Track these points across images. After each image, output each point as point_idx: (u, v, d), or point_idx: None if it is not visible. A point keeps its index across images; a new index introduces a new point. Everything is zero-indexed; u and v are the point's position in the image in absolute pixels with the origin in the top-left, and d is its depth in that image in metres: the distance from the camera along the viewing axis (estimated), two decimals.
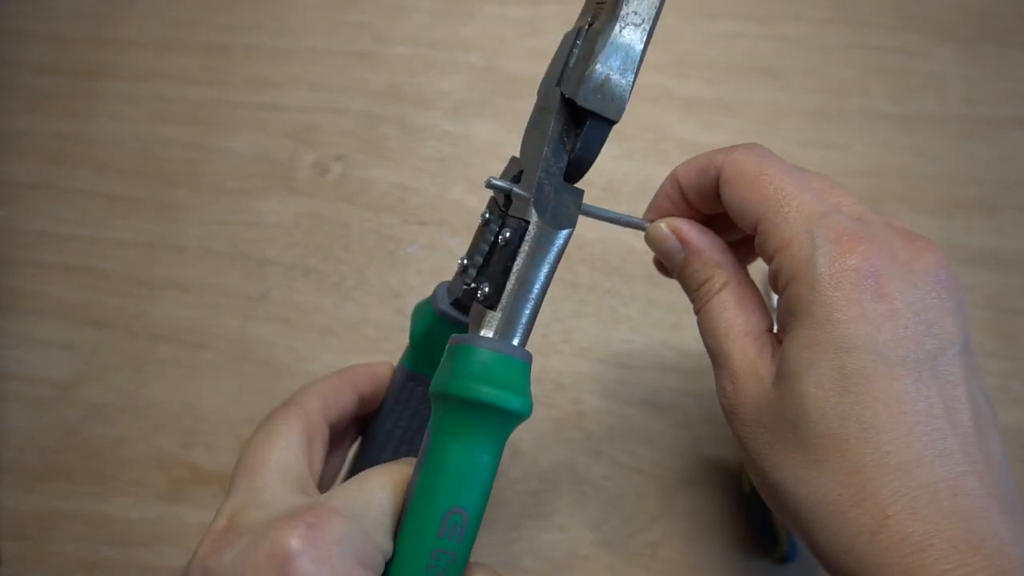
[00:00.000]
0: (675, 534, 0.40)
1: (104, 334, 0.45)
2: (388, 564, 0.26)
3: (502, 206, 0.28)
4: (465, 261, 0.29)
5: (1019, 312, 0.45)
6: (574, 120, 0.27)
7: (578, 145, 0.27)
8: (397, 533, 0.26)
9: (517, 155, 0.30)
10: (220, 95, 0.51)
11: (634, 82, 0.26)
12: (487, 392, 0.24)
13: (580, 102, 0.26)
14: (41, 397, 0.44)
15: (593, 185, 0.47)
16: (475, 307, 0.27)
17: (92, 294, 0.46)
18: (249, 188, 0.49)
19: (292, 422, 0.29)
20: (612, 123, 0.27)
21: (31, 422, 0.43)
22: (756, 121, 0.50)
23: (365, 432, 0.35)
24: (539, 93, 0.29)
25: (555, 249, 0.26)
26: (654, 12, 0.26)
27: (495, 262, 0.27)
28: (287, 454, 0.28)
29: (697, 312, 0.30)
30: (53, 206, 0.49)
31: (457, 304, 0.31)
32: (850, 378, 0.24)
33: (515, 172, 0.29)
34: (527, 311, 0.26)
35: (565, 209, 0.27)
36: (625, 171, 0.48)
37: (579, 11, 0.30)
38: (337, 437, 0.35)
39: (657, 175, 0.48)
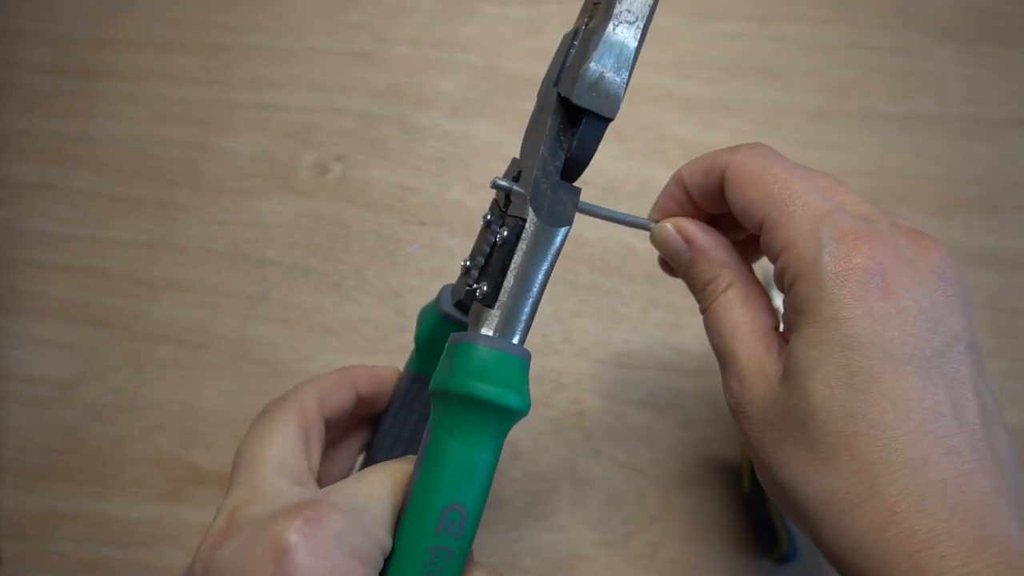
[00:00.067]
0: (675, 534, 0.40)
1: (104, 334, 0.45)
2: (387, 560, 0.26)
3: (503, 206, 0.28)
4: (468, 263, 0.29)
5: (1019, 312, 0.45)
6: (570, 119, 0.28)
7: (575, 143, 0.27)
8: (397, 530, 0.26)
9: (517, 156, 0.30)
10: (220, 95, 0.51)
11: (629, 80, 0.27)
12: (485, 389, 0.25)
13: (575, 100, 0.26)
14: (41, 397, 0.44)
15: (593, 185, 0.47)
16: (474, 306, 0.27)
17: (92, 294, 0.46)
18: (249, 188, 0.49)
19: (288, 417, 0.29)
20: (608, 121, 0.27)
21: (31, 422, 0.43)
22: (756, 121, 0.50)
23: (372, 435, 0.35)
24: (539, 94, 0.30)
25: (552, 247, 0.26)
26: (647, 10, 0.26)
27: (493, 261, 0.27)
28: (285, 449, 0.28)
29: (703, 311, 0.30)
30: (53, 206, 0.49)
31: (461, 306, 0.31)
32: (857, 376, 0.24)
33: (515, 173, 0.29)
34: (525, 309, 0.26)
35: (562, 207, 0.27)
36: (625, 171, 0.48)
37: (578, 11, 0.30)
38: (342, 437, 0.35)
39: (657, 175, 0.49)
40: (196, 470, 0.42)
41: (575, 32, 0.28)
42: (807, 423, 0.24)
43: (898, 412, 0.23)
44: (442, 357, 0.27)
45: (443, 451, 0.25)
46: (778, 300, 0.29)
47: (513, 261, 0.26)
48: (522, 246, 0.26)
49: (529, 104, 0.30)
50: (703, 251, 0.29)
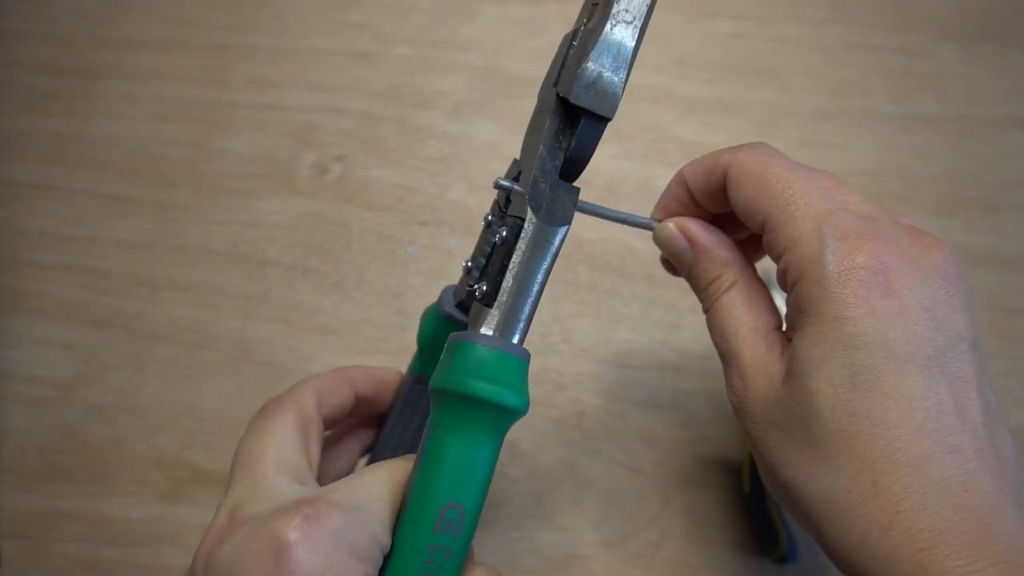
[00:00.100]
0: (675, 534, 0.40)
1: (104, 334, 0.45)
2: (386, 558, 0.26)
3: (503, 207, 0.28)
4: (469, 263, 0.29)
5: (1019, 312, 0.45)
6: (569, 119, 0.28)
7: (573, 143, 0.27)
8: (396, 528, 0.26)
9: (518, 157, 0.30)
10: (220, 95, 0.51)
11: (627, 79, 0.27)
12: (484, 388, 0.25)
13: (573, 100, 0.26)
14: (41, 397, 0.44)
15: (593, 185, 0.47)
16: (474, 305, 0.27)
17: (92, 294, 0.46)
18: (249, 188, 0.49)
19: (286, 416, 0.29)
20: (606, 120, 0.27)
21: (31, 422, 0.43)
22: (756, 121, 0.50)
23: (376, 437, 0.35)
24: (539, 95, 0.30)
25: (551, 247, 0.27)
26: (645, 9, 0.27)
27: (493, 261, 0.27)
28: (284, 447, 0.28)
29: (706, 311, 0.30)
30: (53, 206, 0.49)
31: (462, 306, 0.31)
32: (860, 375, 0.24)
33: (516, 173, 0.29)
34: (524, 308, 0.26)
35: (561, 206, 0.27)
36: (625, 171, 0.48)
37: (578, 12, 0.30)
38: (342, 437, 0.35)
39: (657, 175, 0.49)
40: (196, 470, 0.42)
41: (574, 33, 0.28)
42: (810, 422, 0.24)
43: (901, 411, 0.23)
44: (442, 356, 0.27)
45: (442, 450, 0.25)
46: (779, 299, 0.29)
47: (512, 261, 0.26)
48: (521, 246, 0.26)
49: (529, 104, 0.30)
50: (706, 251, 0.29)
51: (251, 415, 0.31)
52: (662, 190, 0.31)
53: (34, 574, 0.40)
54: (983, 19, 0.53)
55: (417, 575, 0.25)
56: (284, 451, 0.28)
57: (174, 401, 0.43)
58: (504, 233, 0.27)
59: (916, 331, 0.24)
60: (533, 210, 0.26)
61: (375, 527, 0.25)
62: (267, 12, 0.54)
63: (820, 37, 0.52)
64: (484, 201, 0.48)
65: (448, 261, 0.47)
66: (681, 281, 0.32)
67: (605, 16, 0.26)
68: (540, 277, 0.26)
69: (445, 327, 0.32)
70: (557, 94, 0.27)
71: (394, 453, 0.35)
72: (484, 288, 0.27)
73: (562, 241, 0.27)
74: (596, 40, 0.26)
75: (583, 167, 0.28)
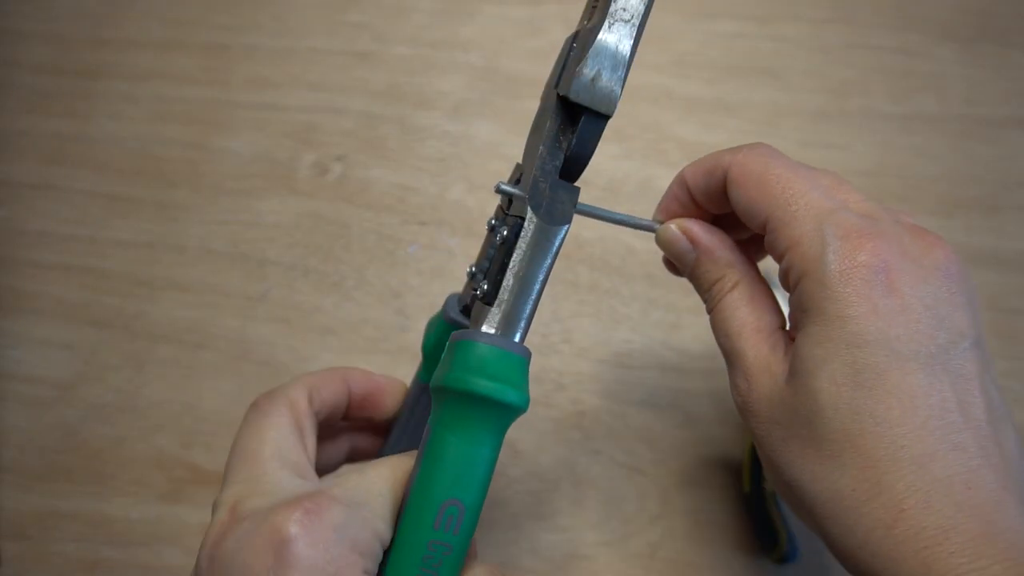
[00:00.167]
0: (675, 534, 0.40)
1: (104, 334, 0.45)
2: (387, 553, 0.26)
3: (506, 210, 0.28)
4: (473, 268, 0.29)
5: (1019, 312, 0.45)
6: (570, 118, 0.28)
7: (574, 141, 0.27)
8: (397, 524, 0.26)
9: (521, 161, 0.30)
10: (220, 95, 0.51)
11: (626, 77, 0.27)
12: (484, 385, 0.25)
13: (573, 97, 0.27)
14: (41, 397, 0.44)
15: (593, 185, 0.47)
16: (475, 304, 0.28)
17: (92, 294, 0.46)
18: (249, 188, 0.49)
19: (280, 411, 0.29)
20: (606, 118, 0.27)
21: (31, 422, 0.43)
22: (756, 121, 0.50)
23: (382, 446, 0.36)
24: (541, 97, 0.30)
25: (551, 246, 0.27)
26: (643, 8, 0.27)
27: (494, 260, 0.27)
28: (281, 441, 0.28)
29: (709, 311, 0.30)
30: (53, 206, 0.49)
31: (467, 311, 0.31)
32: (863, 373, 0.24)
33: (518, 176, 0.29)
34: (524, 307, 0.26)
35: (561, 206, 0.27)
36: (625, 171, 0.48)
37: (579, 12, 0.30)
38: (337, 436, 0.35)
39: (657, 175, 0.49)
40: (196, 470, 0.42)
41: (575, 35, 0.29)
42: (813, 421, 0.24)
43: (904, 409, 0.23)
44: (443, 355, 0.27)
45: (442, 447, 0.26)
46: (782, 299, 0.29)
47: (512, 260, 0.26)
48: (521, 245, 0.26)
49: (529, 104, 0.30)
50: (708, 251, 0.30)
51: None
52: (662, 190, 0.31)
53: (34, 574, 0.40)
54: (983, 19, 0.53)
55: (417, 570, 0.25)
56: (282, 445, 0.28)
57: (174, 401, 0.43)
58: (505, 232, 0.27)
59: (918, 329, 0.24)
60: (533, 209, 0.27)
61: (376, 522, 0.25)
62: (267, 12, 0.54)
63: (820, 37, 0.52)
64: (484, 201, 0.48)
65: (448, 261, 0.47)
66: (681, 281, 0.32)
67: (604, 15, 0.27)
68: (541, 276, 0.27)
69: (449, 333, 0.32)
70: (558, 95, 0.28)
71: None
72: (485, 287, 0.27)
73: (562, 240, 0.27)
74: (595, 38, 0.26)
75: (584, 166, 0.28)
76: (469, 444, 0.25)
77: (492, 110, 0.51)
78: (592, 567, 0.40)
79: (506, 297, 0.26)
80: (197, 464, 0.42)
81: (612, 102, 0.27)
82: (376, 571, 0.25)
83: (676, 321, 0.45)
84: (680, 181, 0.30)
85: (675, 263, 0.31)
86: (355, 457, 0.36)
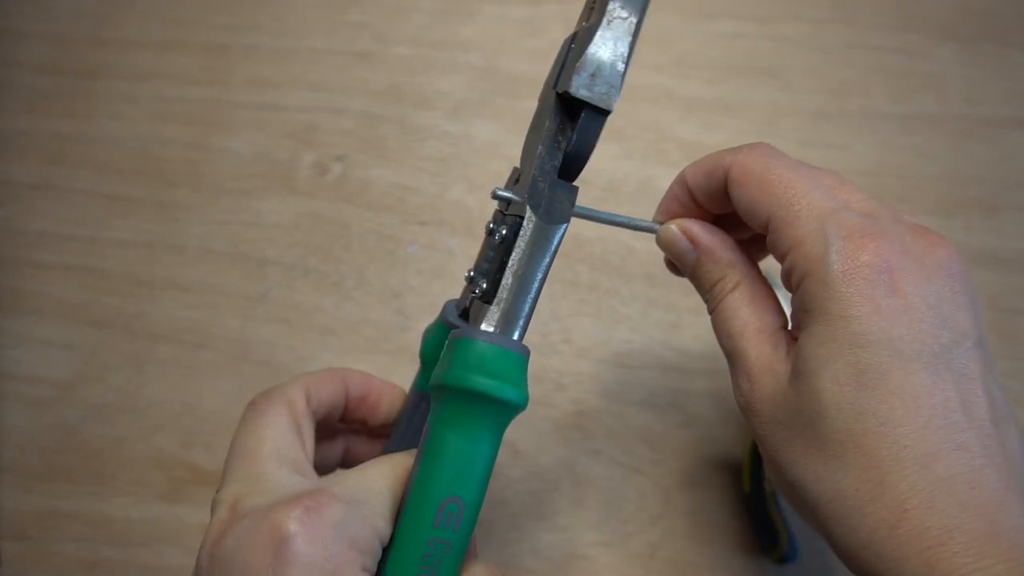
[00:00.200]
0: (675, 534, 0.40)
1: (104, 334, 0.45)
2: (386, 551, 0.26)
3: (504, 212, 0.29)
4: (472, 272, 0.29)
5: (1019, 312, 0.45)
6: (569, 116, 0.28)
7: (574, 138, 0.28)
8: (397, 522, 0.26)
9: (518, 165, 0.30)
10: (220, 95, 0.51)
11: (625, 72, 0.27)
12: (483, 382, 0.25)
13: (572, 93, 0.27)
14: (41, 397, 0.44)
15: (593, 185, 0.47)
16: (474, 303, 0.28)
17: (92, 294, 0.46)
18: (249, 188, 0.49)
19: (277, 409, 0.29)
20: (606, 114, 0.27)
21: (31, 422, 0.43)
22: (756, 121, 0.50)
23: (380, 453, 0.35)
24: (539, 98, 0.30)
25: (549, 244, 0.27)
26: (640, 5, 0.27)
27: (492, 258, 0.28)
28: (280, 439, 0.28)
29: (711, 312, 0.30)
30: (53, 206, 0.49)
31: (465, 316, 0.31)
32: (866, 373, 0.24)
33: (515, 179, 0.29)
34: (523, 305, 0.27)
35: (559, 205, 0.27)
36: (625, 171, 0.48)
37: (579, 12, 0.30)
38: (335, 438, 0.35)
39: (657, 175, 0.49)
40: (196, 470, 0.42)
41: (573, 36, 0.29)
42: (816, 421, 0.24)
43: (907, 409, 0.23)
44: (442, 354, 0.27)
45: (441, 444, 0.26)
46: (783, 298, 0.29)
47: (511, 258, 0.27)
48: (520, 243, 0.27)
49: (529, 104, 0.30)
50: (709, 251, 0.30)
51: None
52: (662, 190, 0.31)
53: (34, 574, 0.40)
54: (983, 19, 0.53)
55: (417, 568, 0.25)
56: (281, 444, 0.28)
57: (174, 401, 0.43)
58: (504, 231, 0.27)
59: (921, 328, 0.24)
60: (532, 208, 0.27)
61: (376, 520, 0.25)
62: (267, 12, 0.54)
63: (820, 37, 0.52)
64: (484, 201, 0.48)
65: (448, 261, 0.47)
66: (681, 281, 0.32)
67: (601, 13, 0.27)
68: (539, 275, 0.27)
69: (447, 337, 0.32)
70: (557, 93, 0.28)
71: None
72: (484, 286, 0.27)
73: (561, 239, 0.27)
74: (593, 36, 0.27)
75: (583, 164, 0.28)
76: (468, 442, 0.26)
77: (492, 110, 0.51)
78: (592, 567, 0.40)
79: (505, 295, 0.26)
80: (197, 464, 0.42)
81: (611, 97, 0.27)
82: (376, 568, 0.26)
83: (676, 321, 0.45)
84: (680, 182, 0.30)
85: (676, 263, 0.31)
86: (351, 460, 0.36)
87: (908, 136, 0.49)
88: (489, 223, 0.29)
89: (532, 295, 0.27)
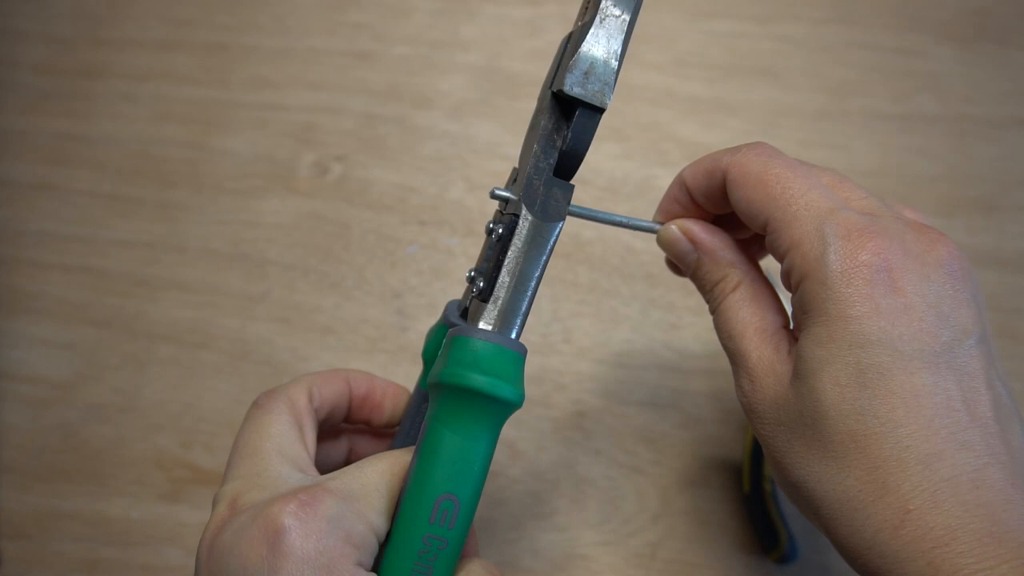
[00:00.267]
0: (675, 534, 0.40)
1: (104, 334, 0.45)
2: (383, 547, 0.26)
3: (503, 211, 0.29)
4: (473, 273, 0.29)
5: (1019, 312, 0.45)
6: (564, 114, 0.28)
7: (569, 136, 0.28)
8: (394, 518, 0.26)
9: (517, 164, 0.30)
10: (220, 95, 0.51)
11: (618, 70, 0.27)
12: (479, 380, 0.25)
13: (567, 91, 0.27)
14: (41, 397, 0.44)
15: (593, 185, 0.47)
16: (472, 302, 0.28)
17: (92, 294, 0.46)
18: (249, 188, 0.49)
19: (281, 408, 0.30)
20: (600, 111, 0.27)
21: (31, 422, 0.43)
22: (756, 121, 0.50)
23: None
24: (538, 99, 0.30)
25: (545, 242, 0.27)
26: (633, 3, 0.27)
27: (489, 257, 0.28)
28: (282, 437, 0.29)
29: (712, 312, 0.30)
30: (53, 206, 0.49)
31: (466, 315, 0.31)
32: (866, 373, 0.24)
33: (515, 178, 0.29)
34: (520, 303, 0.27)
35: (555, 203, 0.28)
36: (625, 171, 0.48)
37: (577, 12, 0.30)
38: (340, 437, 0.35)
39: (657, 175, 0.49)
40: (196, 470, 0.42)
41: (570, 35, 0.29)
42: (818, 422, 0.24)
43: (908, 408, 0.23)
44: (440, 352, 0.27)
45: (437, 442, 0.26)
46: (784, 298, 0.29)
47: (508, 257, 0.27)
48: (516, 242, 0.27)
49: (529, 104, 0.30)
50: (709, 252, 0.30)
51: None
52: (662, 190, 0.31)
53: (34, 574, 0.40)
54: (983, 19, 0.53)
55: (413, 564, 0.26)
56: (283, 441, 0.28)
57: (174, 401, 0.43)
58: (500, 230, 0.27)
59: (922, 327, 0.24)
60: (527, 207, 0.27)
61: (371, 515, 0.25)
62: (267, 12, 0.54)
63: (820, 37, 0.52)
64: (484, 201, 0.48)
65: (448, 261, 0.47)
66: (681, 281, 0.32)
67: (595, 11, 0.27)
68: (536, 273, 0.27)
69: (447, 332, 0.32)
70: (552, 92, 0.28)
71: None
72: (481, 284, 0.27)
73: (557, 237, 0.27)
74: (587, 33, 0.27)
75: (579, 162, 0.28)
76: (464, 439, 0.26)
77: (492, 110, 0.51)
78: (592, 567, 0.40)
79: (502, 294, 0.27)
80: (197, 464, 0.42)
81: (605, 94, 0.27)
82: (370, 563, 0.26)
83: (676, 321, 0.45)
84: (680, 182, 0.30)
85: (677, 264, 0.31)
86: (355, 460, 0.36)
87: (908, 136, 0.49)
88: (489, 223, 0.29)
89: (529, 293, 0.27)
